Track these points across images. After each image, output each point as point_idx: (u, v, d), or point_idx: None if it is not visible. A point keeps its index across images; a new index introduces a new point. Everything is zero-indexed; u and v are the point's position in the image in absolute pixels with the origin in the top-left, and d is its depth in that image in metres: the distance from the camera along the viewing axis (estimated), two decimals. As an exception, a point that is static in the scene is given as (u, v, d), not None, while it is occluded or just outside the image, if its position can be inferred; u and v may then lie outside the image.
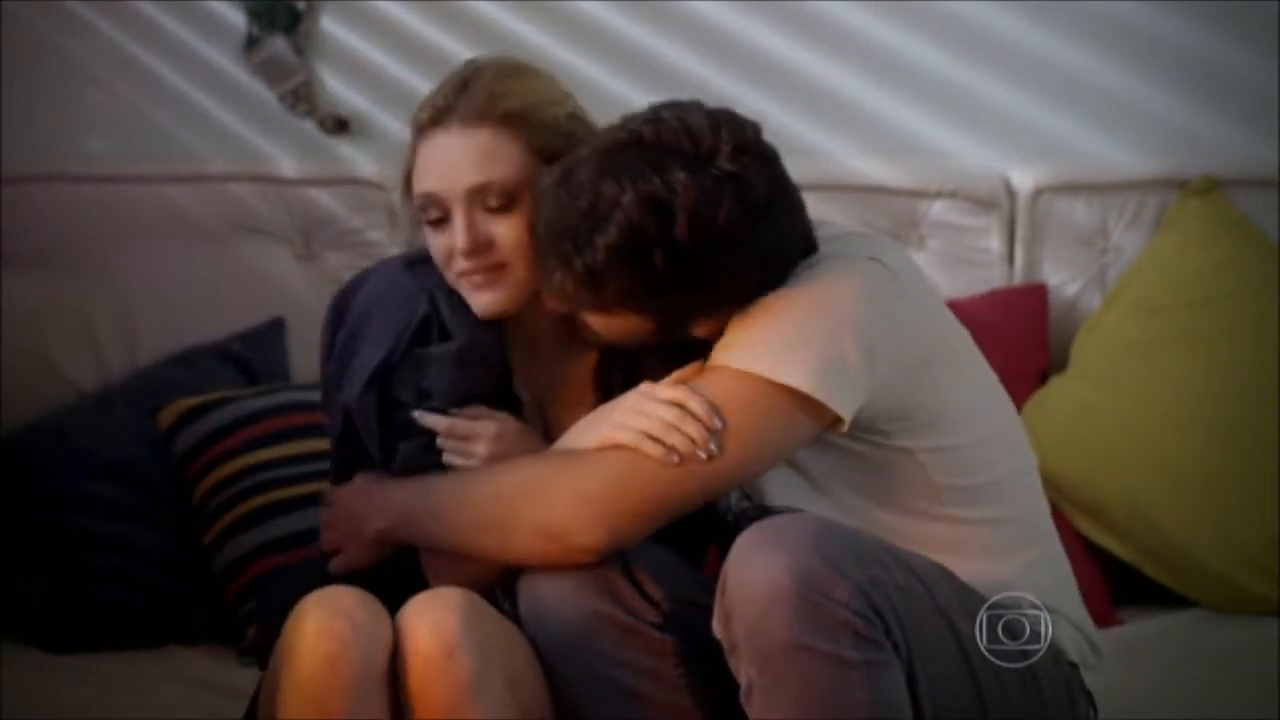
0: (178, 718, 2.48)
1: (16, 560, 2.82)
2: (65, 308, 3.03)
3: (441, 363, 2.16)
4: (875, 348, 2.04)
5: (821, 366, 2.02)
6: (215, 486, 2.84)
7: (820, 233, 2.14)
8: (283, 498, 2.80)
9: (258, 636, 2.70)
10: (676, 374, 2.08)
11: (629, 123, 2.08)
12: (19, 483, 2.85)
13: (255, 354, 3.03)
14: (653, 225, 2.01)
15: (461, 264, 2.13)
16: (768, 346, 2.03)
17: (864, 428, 2.07)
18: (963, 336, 2.17)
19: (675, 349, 2.13)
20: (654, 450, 2.03)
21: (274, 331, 3.05)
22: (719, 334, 2.09)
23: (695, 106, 2.08)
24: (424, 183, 2.14)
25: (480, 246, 2.12)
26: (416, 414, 2.15)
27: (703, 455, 2.02)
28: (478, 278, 2.14)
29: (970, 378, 2.16)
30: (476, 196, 2.12)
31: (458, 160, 2.12)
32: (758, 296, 2.06)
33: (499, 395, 2.19)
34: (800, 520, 2.00)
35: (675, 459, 2.02)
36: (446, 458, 2.15)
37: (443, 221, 2.13)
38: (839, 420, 2.04)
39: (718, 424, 2.03)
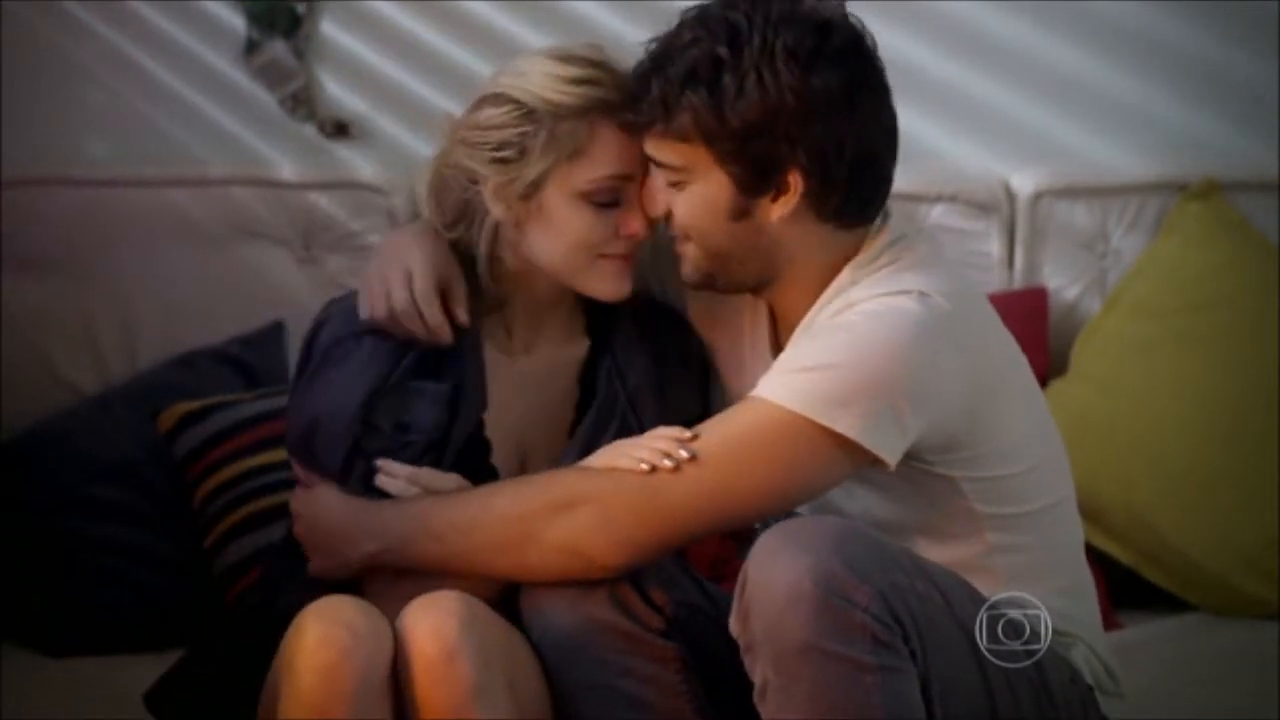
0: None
1: (16, 563, 2.82)
2: (66, 311, 3.03)
3: (434, 400, 2.16)
4: (924, 393, 2.03)
5: (870, 411, 2.01)
6: (215, 490, 2.84)
7: (881, 240, 2.14)
8: (283, 501, 2.77)
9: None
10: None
11: None
12: (19, 486, 2.85)
13: (255, 357, 3.02)
14: (723, 43, 2.03)
15: (624, 245, 2.16)
16: (816, 387, 2.03)
17: (909, 455, 2.07)
18: (1015, 363, 2.16)
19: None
20: (627, 462, 2.05)
21: (274, 335, 3.05)
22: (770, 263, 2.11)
23: None
24: (616, 165, 2.15)
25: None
26: (381, 477, 2.15)
27: (669, 464, 2.04)
28: (628, 260, 2.18)
29: (1021, 409, 2.14)
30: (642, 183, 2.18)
31: (638, 148, 2.15)
32: (823, 170, 2.06)
33: (470, 438, 2.19)
34: (823, 523, 2.00)
35: (645, 467, 2.04)
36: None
37: (611, 205, 2.16)
38: (881, 461, 2.04)
39: (685, 435, 2.05)
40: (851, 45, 2.08)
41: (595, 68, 2.15)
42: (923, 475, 2.09)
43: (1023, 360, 2.17)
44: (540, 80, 2.14)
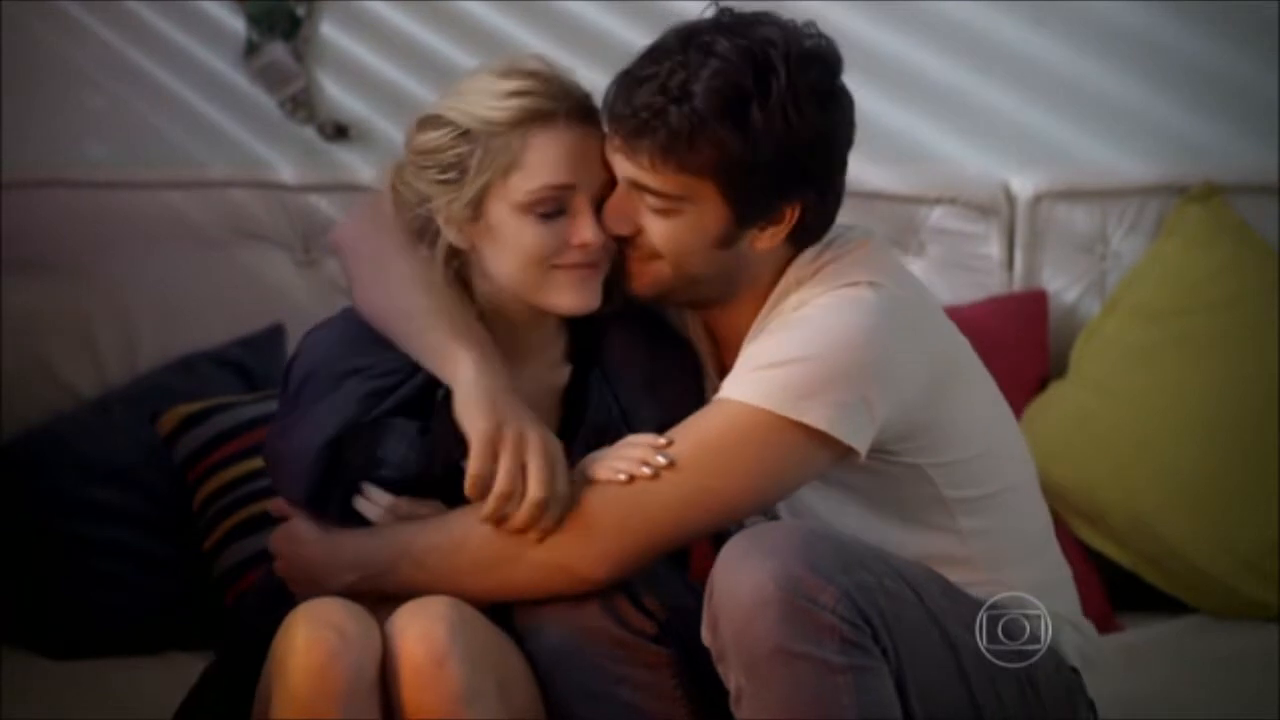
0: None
1: (16, 566, 2.82)
2: (65, 313, 3.04)
3: (403, 435, 2.14)
4: (887, 379, 2.04)
5: (837, 402, 2.02)
6: (215, 492, 2.84)
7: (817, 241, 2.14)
8: (282, 504, 2.80)
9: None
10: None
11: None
12: (19, 488, 2.85)
13: (255, 360, 3.03)
14: (749, 77, 2.02)
15: (578, 255, 2.12)
16: (782, 382, 2.03)
17: (876, 448, 2.07)
18: (964, 348, 2.17)
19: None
20: (605, 473, 2.05)
21: (274, 337, 3.05)
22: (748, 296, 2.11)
23: None
24: (553, 175, 2.11)
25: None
26: (360, 501, 2.14)
27: (647, 471, 2.03)
28: (587, 270, 2.13)
29: (974, 391, 2.16)
30: (598, 193, 2.13)
31: (592, 155, 2.12)
32: (821, 202, 2.08)
33: (450, 468, 2.16)
34: (787, 527, 2.01)
35: (623, 477, 2.04)
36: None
37: (556, 215, 2.12)
38: (853, 451, 2.05)
39: (660, 442, 2.05)
40: (842, 82, 2.09)
41: (529, 78, 2.12)
42: (891, 467, 2.10)
43: (968, 345, 2.18)
44: (474, 98, 2.12)
